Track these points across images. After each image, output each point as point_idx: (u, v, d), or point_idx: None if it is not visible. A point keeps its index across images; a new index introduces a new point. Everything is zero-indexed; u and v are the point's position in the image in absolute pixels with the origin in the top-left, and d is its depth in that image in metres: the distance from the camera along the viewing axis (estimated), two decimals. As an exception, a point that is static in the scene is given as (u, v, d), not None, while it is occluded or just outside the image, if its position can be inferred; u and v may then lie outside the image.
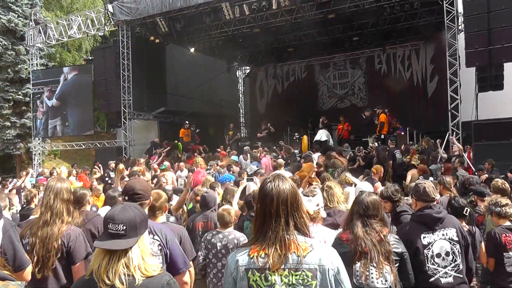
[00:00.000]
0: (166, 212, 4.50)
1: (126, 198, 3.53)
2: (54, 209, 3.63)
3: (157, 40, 19.50)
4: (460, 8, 13.24)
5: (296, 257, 2.12)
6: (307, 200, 3.80)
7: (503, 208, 4.67)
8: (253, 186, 7.22)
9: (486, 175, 9.50)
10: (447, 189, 6.55)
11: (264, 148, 16.22)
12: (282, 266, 2.12)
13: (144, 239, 2.28)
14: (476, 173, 10.34)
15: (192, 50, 21.14)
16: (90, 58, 20.98)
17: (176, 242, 3.49)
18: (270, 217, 2.19)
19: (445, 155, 12.10)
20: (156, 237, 3.32)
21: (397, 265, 3.29)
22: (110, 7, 18.33)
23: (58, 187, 3.73)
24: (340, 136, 17.65)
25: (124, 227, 2.17)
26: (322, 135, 17.04)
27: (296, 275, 2.11)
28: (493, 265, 4.58)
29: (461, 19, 13.39)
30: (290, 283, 2.11)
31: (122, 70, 18.54)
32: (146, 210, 3.51)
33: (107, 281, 2.10)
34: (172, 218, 5.60)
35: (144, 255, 2.24)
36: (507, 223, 4.69)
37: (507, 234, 4.53)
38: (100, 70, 19.31)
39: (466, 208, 4.74)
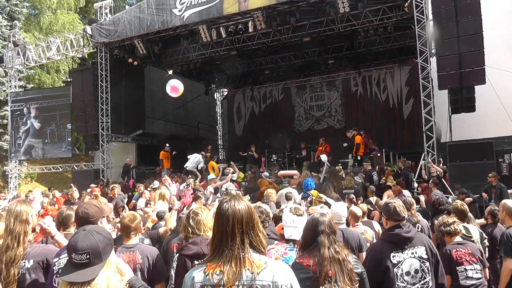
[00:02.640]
0: (140, 233, 4.56)
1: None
2: (14, 232, 3.60)
3: (135, 62, 19.62)
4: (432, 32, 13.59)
5: (250, 274, 2.18)
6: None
7: (451, 226, 4.87)
8: None
9: (471, 199, 9.63)
10: (407, 209, 6.66)
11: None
12: (236, 283, 2.17)
13: (110, 262, 2.27)
14: (455, 195, 10.53)
15: (170, 72, 21.18)
16: (69, 80, 20.86)
17: None
18: (227, 236, 2.25)
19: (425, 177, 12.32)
20: None
21: (357, 285, 3.26)
22: (89, 29, 18.40)
23: (17, 210, 3.70)
24: (319, 158, 17.70)
25: (88, 256, 2.14)
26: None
27: None
28: (450, 282, 4.68)
29: (433, 43, 13.72)
30: None
31: (100, 92, 18.49)
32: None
33: None
34: (146, 241, 5.60)
35: (110, 280, 2.23)
36: (458, 238, 4.90)
37: (458, 249, 4.73)
38: (78, 92, 19.19)
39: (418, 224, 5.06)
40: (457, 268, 4.66)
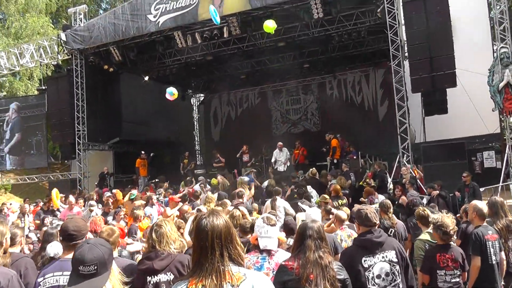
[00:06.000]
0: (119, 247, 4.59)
1: (61, 238, 3.53)
2: None
3: (111, 69, 19.42)
4: (405, 37, 13.86)
5: (230, 287, 2.26)
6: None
7: (448, 233, 4.97)
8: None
9: (437, 192, 10.13)
10: (384, 212, 6.84)
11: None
12: None
13: (113, 271, 2.39)
14: (426, 191, 10.86)
15: (146, 78, 21.11)
16: (43, 87, 20.58)
17: None
18: (206, 250, 2.33)
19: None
20: None
21: None
22: (63, 35, 18.22)
23: None
24: (297, 161, 17.85)
25: (95, 267, 2.25)
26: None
27: None
28: (428, 281, 4.94)
29: (405, 47, 13.98)
30: None
31: (76, 100, 18.27)
32: None
33: None
34: (125, 252, 5.63)
35: (116, 286, 2.35)
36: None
37: (442, 253, 4.90)
38: (53, 100, 19.01)
39: (390, 229, 5.14)
40: (438, 271, 4.86)
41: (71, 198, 12.21)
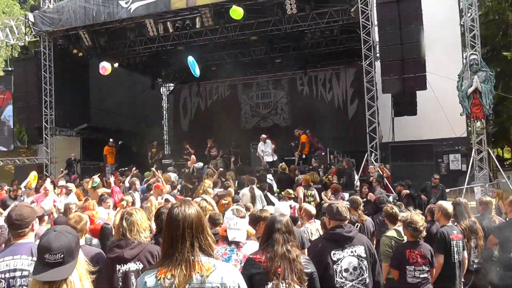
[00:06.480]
0: (87, 234, 4.52)
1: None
2: None
3: (80, 54, 18.94)
4: (377, 37, 14.02)
5: (199, 277, 2.25)
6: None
7: (419, 230, 5.07)
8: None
9: (407, 191, 10.31)
10: (354, 208, 6.89)
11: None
12: (187, 286, 2.24)
13: (80, 259, 2.31)
14: (396, 189, 11.04)
15: (116, 65, 20.69)
16: (10, 69, 19.90)
17: None
18: (177, 240, 2.31)
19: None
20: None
21: (306, 284, 3.38)
22: (31, 16, 17.60)
23: None
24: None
25: (62, 255, 2.18)
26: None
27: None
28: (398, 276, 5.08)
29: (377, 48, 14.15)
30: None
31: (44, 84, 17.78)
32: (32, 235, 3.40)
33: None
34: (94, 241, 5.56)
35: (82, 277, 2.27)
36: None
37: (411, 250, 5.03)
38: (20, 82, 18.40)
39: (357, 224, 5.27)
40: (407, 267, 4.98)
41: (47, 184, 11.56)
